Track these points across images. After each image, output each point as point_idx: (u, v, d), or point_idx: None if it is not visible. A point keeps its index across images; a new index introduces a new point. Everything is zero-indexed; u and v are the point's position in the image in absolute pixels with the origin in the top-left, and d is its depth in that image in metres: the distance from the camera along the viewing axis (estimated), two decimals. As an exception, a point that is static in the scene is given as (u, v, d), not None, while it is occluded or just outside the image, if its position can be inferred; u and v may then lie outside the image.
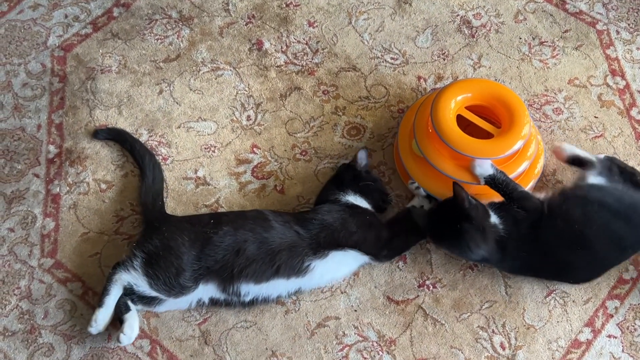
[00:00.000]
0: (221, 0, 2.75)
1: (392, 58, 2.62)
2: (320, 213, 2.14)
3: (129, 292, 2.05)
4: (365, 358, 2.07)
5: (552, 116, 2.47)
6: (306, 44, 2.66)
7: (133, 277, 2.03)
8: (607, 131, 2.44)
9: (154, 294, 2.04)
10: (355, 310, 2.14)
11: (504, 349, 2.08)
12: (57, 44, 2.65)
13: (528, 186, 2.25)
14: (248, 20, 2.71)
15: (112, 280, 2.04)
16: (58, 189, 2.34)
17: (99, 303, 2.03)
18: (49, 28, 2.70)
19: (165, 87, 2.55)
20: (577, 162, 2.23)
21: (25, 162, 2.40)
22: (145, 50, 2.64)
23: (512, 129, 2.13)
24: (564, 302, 2.14)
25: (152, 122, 2.48)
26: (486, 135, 2.18)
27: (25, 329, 2.11)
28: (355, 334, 2.11)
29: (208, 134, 2.46)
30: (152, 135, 2.44)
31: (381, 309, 2.14)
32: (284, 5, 2.74)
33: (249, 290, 2.04)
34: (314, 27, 2.69)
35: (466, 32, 2.68)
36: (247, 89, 2.55)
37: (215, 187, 2.36)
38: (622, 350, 2.08)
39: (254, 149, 2.43)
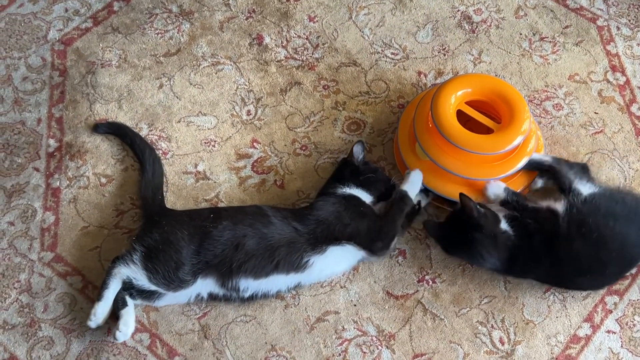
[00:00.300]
0: (222, -6, 2.75)
1: (392, 53, 2.62)
2: (315, 208, 2.14)
3: (128, 287, 2.06)
4: (364, 352, 2.08)
5: (552, 112, 2.47)
6: (306, 38, 2.66)
7: (132, 271, 2.04)
8: (607, 127, 2.44)
9: (153, 288, 2.04)
10: (355, 305, 2.15)
11: (503, 344, 2.08)
12: (57, 38, 2.65)
13: (528, 183, 2.25)
14: (248, 14, 2.71)
15: (112, 274, 2.05)
16: (58, 183, 2.34)
17: (98, 297, 2.03)
18: (49, 22, 2.69)
19: (166, 81, 2.55)
20: (536, 166, 2.24)
21: (26, 156, 2.40)
22: (145, 45, 2.63)
23: (512, 125, 2.13)
24: (563, 297, 2.14)
25: (152, 116, 2.48)
26: (486, 130, 2.18)
27: (25, 323, 2.11)
28: (354, 328, 2.11)
29: (208, 129, 2.46)
30: (152, 130, 2.44)
31: (380, 304, 2.15)
32: (285, 0, 2.74)
33: (248, 285, 2.05)
34: (314, 22, 2.69)
35: (467, 27, 2.68)
36: (247, 83, 2.55)
37: (215, 182, 2.36)
38: (621, 346, 2.08)
39: (254, 143, 2.43)
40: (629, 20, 2.69)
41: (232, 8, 2.72)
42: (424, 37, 2.66)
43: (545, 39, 2.64)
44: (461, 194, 2.04)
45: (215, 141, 2.43)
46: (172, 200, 2.32)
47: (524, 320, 2.11)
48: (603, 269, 2.06)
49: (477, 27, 2.67)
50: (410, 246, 2.23)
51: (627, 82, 2.54)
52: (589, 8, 2.72)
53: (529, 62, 2.58)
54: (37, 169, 2.37)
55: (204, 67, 2.58)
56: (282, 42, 2.64)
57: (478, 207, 2.04)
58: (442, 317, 2.12)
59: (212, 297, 2.09)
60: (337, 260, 2.12)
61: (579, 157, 2.36)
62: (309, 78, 2.56)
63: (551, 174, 2.21)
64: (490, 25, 2.68)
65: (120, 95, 2.52)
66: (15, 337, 2.09)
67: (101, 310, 2.02)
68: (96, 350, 2.07)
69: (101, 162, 2.38)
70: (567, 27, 2.67)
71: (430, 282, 2.18)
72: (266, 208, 2.15)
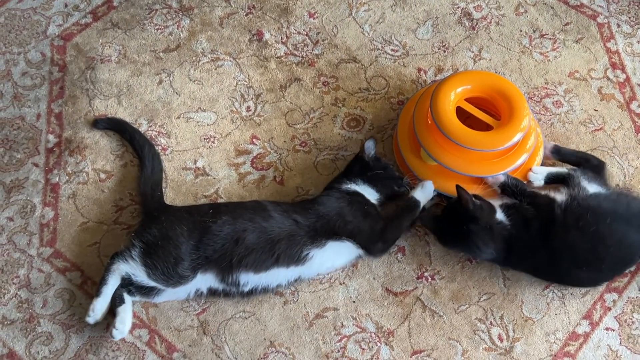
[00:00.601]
0: (221, -10, 2.75)
1: (392, 50, 2.62)
2: (318, 202, 2.14)
3: (127, 283, 2.06)
4: (363, 349, 2.08)
5: (552, 109, 2.47)
6: (306, 35, 2.65)
7: (131, 267, 2.04)
8: (607, 124, 2.44)
9: (152, 284, 2.04)
10: (354, 302, 2.15)
11: (501, 340, 2.08)
12: (57, 33, 2.65)
13: (527, 181, 2.25)
14: (248, 10, 2.71)
15: (110, 270, 2.05)
16: (57, 179, 2.34)
17: (97, 293, 2.04)
18: (49, 17, 2.69)
19: (165, 77, 2.55)
20: (555, 179, 2.23)
21: (25, 151, 2.39)
22: (145, 40, 2.63)
23: (512, 122, 2.13)
24: (562, 294, 2.14)
25: (152, 112, 2.47)
26: (486, 128, 2.18)
27: (24, 318, 2.11)
28: (353, 325, 2.11)
29: (208, 125, 2.46)
30: (151, 126, 2.44)
31: (379, 301, 2.15)
32: (285, -4, 2.74)
33: (248, 279, 2.04)
34: (314, 18, 2.69)
35: (467, 24, 2.67)
36: (247, 79, 2.55)
37: (214, 178, 2.36)
38: (620, 343, 2.09)
39: (254, 139, 2.43)
40: (629, 18, 2.68)
41: (231, 4, 2.72)
42: (424, 33, 2.66)
43: (546, 36, 2.64)
44: (457, 186, 2.04)
45: (214, 137, 2.43)
46: (172, 196, 2.32)
47: (522, 317, 2.11)
48: (599, 264, 2.06)
49: (477, 23, 2.67)
50: (409, 243, 2.23)
51: (627, 79, 2.54)
52: (590, 5, 2.71)
53: (529, 59, 2.58)
54: (36, 165, 2.37)
55: (203, 63, 2.58)
56: (282, 38, 2.64)
57: (473, 199, 2.04)
58: (441, 313, 2.12)
59: (212, 292, 2.09)
60: (336, 255, 2.12)
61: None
62: (308, 74, 2.56)
63: (564, 182, 2.21)
64: (491, 22, 2.67)
65: (119, 91, 2.52)
66: (14, 333, 2.09)
67: (100, 306, 2.03)
68: (95, 346, 2.07)
69: (100, 157, 2.38)
70: (567, 24, 2.66)
71: (429, 278, 2.18)
72: (266, 202, 2.15)
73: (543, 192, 2.14)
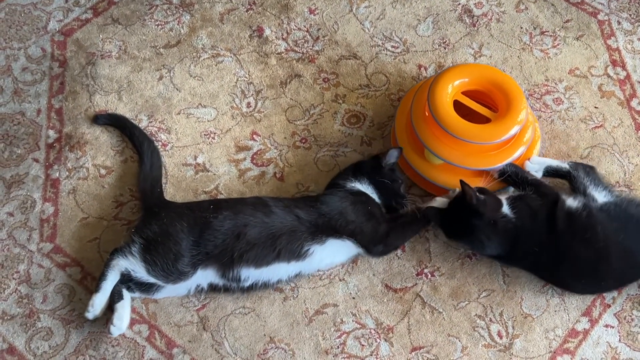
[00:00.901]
0: (222, -14, 2.75)
1: (392, 46, 2.62)
2: (321, 201, 2.13)
3: (127, 279, 2.06)
4: (362, 345, 2.08)
5: (552, 106, 2.47)
6: (307, 31, 2.65)
7: (131, 263, 2.04)
8: (607, 122, 2.44)
9: (151, 280, 2.04)
10: (354, 298, 2.15)
11: (501, 337, 2.09)
12: (57, 29, 2.65)
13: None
14: (249, 6, 2.70)
15: (110, 265, 2.05)
16: (57, 174, 2.34)
17: (96, 288, 2.04)
18: (49, 12, 2.69)
19: (166, 73, 2.55)
20: (554, 173, 2.23)
21: (25, 147, 2.39)
22: (145, 36, 2.63)
23: (509, 114, 2.14)
24: (562, 291, 2.15)
25: (152, 108, 2.47)
26: (483, 121, 2.18)
27: (24, 313, 2.11)
28: (353, 321, 2.12)
29: (208, 121, 2.46)
30: (151, 121, 2.44)
31: (379, 297, 2.15)
32: (285, -8, 2.74)
33: (249, 274, 2.05)
34: (314, 15, 2.69)
35: (467, 21, 2.67)
36: (247, 75, 2.55)
37: (214, 174, 2.36)
38: (619, 340, 2.09)
39: (254, 136, 2.43)
40: (630, 15, 2.68)
41: (232, 0, 2.72)
42: (424, 30, 2.66)
43: (546, 33, 2.64)
44: (461, 181, 2.03)
45: (215, 133, 2.43)
46: (172, 192, 2.32)
47: (522, 314, 2.12)
48: (600, 280, 2.07)
49: (477, 20, 2.67)
50: (409, 239, 2.23)
51: (628, 76, 2.54)
52: (590, 2, 2.71)
53: (529, 56, 2.58)
54: (36, 160, 2.37)
55: (204, 59, 2.58)
56: (282, 35, 2.64)
57: (477, 194, 2.04)
58: (441, 310, 2.13)
59: (212, 288, 2.09)
60: (335, 252, 2.13)
61: (579, 152, 2.36)
62: (309, 71, 2.56)
63: (568, 179, 2.20)
64: (491, 19, 2.67)
65: (120, 86, 2.51)
66: (14, 328, 2.09)
67: (99, 302, 2.03)
68: (95, 341, 2.07)
69: (101, 153, 2.38)
70: (567, 21, 2.66)
71: (429, 275, 2.18)
72: (267, 198, 2.15)
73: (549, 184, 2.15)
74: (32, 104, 2.48)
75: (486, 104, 2.24)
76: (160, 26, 2.65)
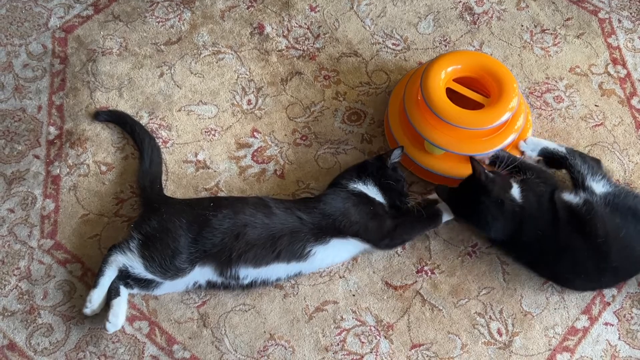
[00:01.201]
0: (223, -17, 2.75)
1: (393, 44, 2.62)
2: (323, 202, 2.13)
3: (125, 276, 2.06)
4: (362, 342, 2.08)
5: (552, 104, 2.47)
6: (308, 28, 2.65)
7: (128, 259, 2.04)
8: (608, 120, 2.44)
9: (149, 276, 2.04)
10: (354, 295, 2.15)
11: (501, 335, 2.09)
12: (58, 26, 2.65)
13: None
14: (249, 3, 2.70)
15: (108, 261, 2.05)
16: (58, 171, 2.34)
17: (94, 284, 2.04)
18: (50, 9, 2.69)
19: (166, 70, 2.55)
20: (550, 156, 2.23)
21: (26, 143, 2.40)
22: (146, 33, 2.63)
23: (500, 101, 2.15)
24: (561, 289, 2.15)
25: (153, 104, 2.47)
26: (476, 109, 2.19)
27: (24, 309, 2.12)
28: (353, 318, 2.12)
29: (209, 118, 2.46)
30: (152, 118, 2.44)
31: (379, 294, 2.15)
32: (286, -10, 2.74)
33: (248, 273, 2.05)
34: (315, 12, 2.69)
35: (468, 18, 2.67)
36: (248, 73, 2.55)
37: (215, 171, 2.36)
38: (619, 338, 2.09)
39: (255, 133, 2.43)
40: (631, 13, 2.68)
41: (233, -3, 2.72)
42: (425, 28, 2.66)
43: (547, 31, 2.64)
44: (471, 157, 2.04)
45: (215, 130, 2.43)
46: (172, 189, 2.32)
47: (522, 312, 2.12)
48: (599, 275, 2.07)
49: (478, 18, 2.67)
50: (409, 237, 2.24)
51: (628, 75, 2.54)
52: (591, 0, 2.71)
53: (530, 54, 2.58)
54: (37, 157, 2.37)
55: (204, 56, 2.58)
56: (283, 32, 2.64)
57: (487, 171, 2.04)
58: (441, 307, 2.13)
59: (211, 285, 2.09)
60: (339, 251, 2.13)
61: (579, 150, 2.35)
62: (309, 68, 2.56)
63: (564, 166, 2.20)
64: (492, 17, 2.67)
65: (120, 83, 2.52)
66: (15, 324, 2.10)
67: (97, 297, 2.03)
68: (95, 338, 2.07)
69: (101, 150, 2.38)
70: (568, 19, 2.66)
71: (429, 272, 2.18)
72: (268, 199, 2.15)
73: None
74: (33, 101, 2.48)
75: (479, 92, 2.25)
76: (161, 23, 2.65)
